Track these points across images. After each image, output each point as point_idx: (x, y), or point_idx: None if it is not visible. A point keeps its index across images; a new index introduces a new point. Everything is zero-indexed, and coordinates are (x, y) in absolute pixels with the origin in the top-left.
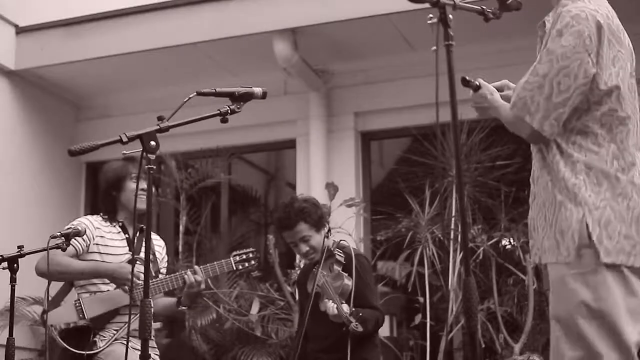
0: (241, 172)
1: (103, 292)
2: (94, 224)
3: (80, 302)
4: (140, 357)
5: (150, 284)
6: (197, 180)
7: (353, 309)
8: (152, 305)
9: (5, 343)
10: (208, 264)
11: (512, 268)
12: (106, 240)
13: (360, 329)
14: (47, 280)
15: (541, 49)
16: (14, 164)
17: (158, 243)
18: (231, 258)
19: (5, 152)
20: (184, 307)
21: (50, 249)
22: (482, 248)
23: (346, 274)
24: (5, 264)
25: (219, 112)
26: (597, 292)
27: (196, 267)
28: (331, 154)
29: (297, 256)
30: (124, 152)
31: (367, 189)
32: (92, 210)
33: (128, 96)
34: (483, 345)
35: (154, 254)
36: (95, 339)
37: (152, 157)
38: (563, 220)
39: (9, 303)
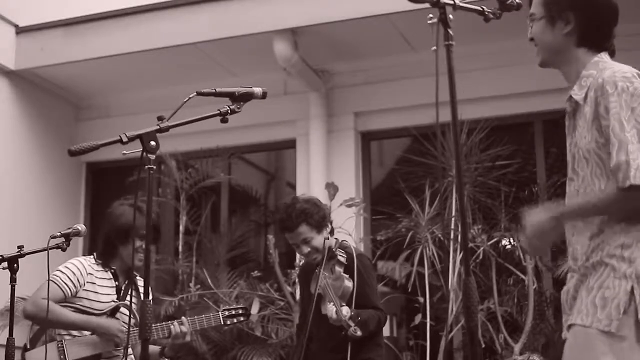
0: (241, 172)
1: (86, 336)
2: (87, 269)
3: (62, 344)
4: (140, 358)
5: (134, 332)
6: (197, 180)
7: (353, 313)
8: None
9: (5, 343)
10: (196, 317)
11: (512, 268)
12: (96, 287)
13: (359, 333)
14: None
15: (584, 120)
16: (14, 164)
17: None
18: (220, 312)
19: (5, 152)
20: (166, 358)
21: (50, 249)
22: (482, 248)
23: (347, 276)
24: (5, 264)
25: (219, 112)
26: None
27: (183, 318)
28: (331, 154)
29: (297, 256)
30: (124, 152)
31: (367, 189)
32: (92, 211)
33: (128, 96)
34: (483, 345)
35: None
36: None
37: (152, 157)
38: (609, 287)
39: (9, 303)
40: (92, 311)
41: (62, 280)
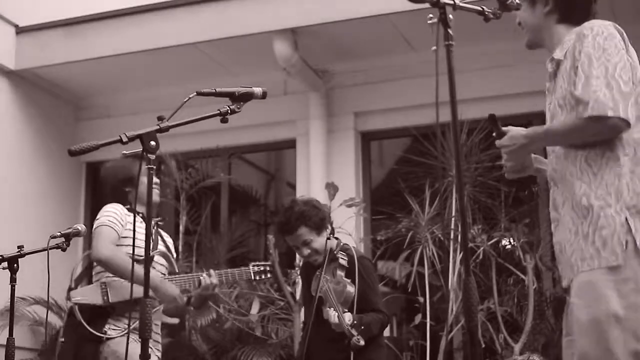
0: (241, 172)
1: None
2: (124, 210)
3: (106, 286)
4: (140, 357)
5: (169, 279)
6: (197, 180)
7: (355, 320)
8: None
9: (5, 343)
10: (228, 270)
11: (512, 268)
12: (132, 232)
13: (361, 342)
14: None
15: (565, 71)
16: (13, 164)
17: (169, 241)
18: (250, 267)
19: (5, 152)
20: (192, 307)
21: (50, 249)
22: (482, 248)
23: (349, 281)
24: (5, 264)
25: (219, 112)
26: (628, 299)
27: (212, 271)
28: (331, 154)
29: (298, 256)
30: (124, 152)
31: (367, 189)
32: (92, 210)
33: (128, 96)
34: (483, 345)
35: (171, 252)
36: (107, 326)
37: (152, 157)
38: (605, 226)
39: (9, 303)
40: (138, 251)
41: (111, 222)
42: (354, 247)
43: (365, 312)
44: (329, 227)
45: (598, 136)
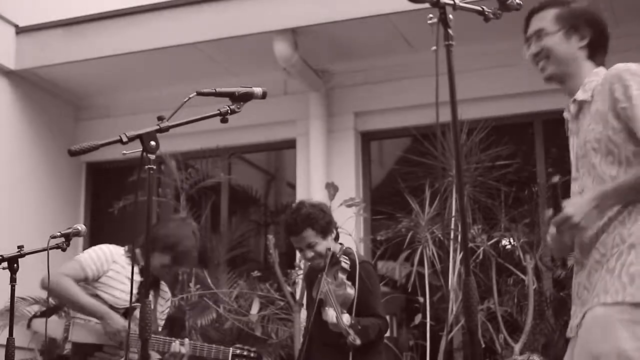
0: (241, 172)
1: (95, 324)
2: (114, 257)
3: (70, 324)
4: (140, 357)
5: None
6: (197, 180)
7: (353, 321)
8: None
9: (5, 343)
10: (205, 345)
11: (512, 268)
12: (119, 276)
13: (358, 342)
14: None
15: (594, 112)
16: (13, 163)
17: (164, 296)
18: (230, 349)
19: (5, 152)
20: None
21: (50, 249)
22: (482, 248)
23: (349, 283)
24: (5, 264)
25: (219, 112)
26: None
27: (186, 340)
28: (331, 154)
29: (297, 256)
30: (124, 152)
31: (367, 189)
32: (92, 210)
33: (128, 96)
34: (483, 345)
35: (155, 308)
36: None
37: (152, 157)
38: (634, 263)
39: (9, 303)
40: (112, 302)
41: (87, 262)
42: (356, 252)
43: (365, 317)
44: (334, 232)
45: None
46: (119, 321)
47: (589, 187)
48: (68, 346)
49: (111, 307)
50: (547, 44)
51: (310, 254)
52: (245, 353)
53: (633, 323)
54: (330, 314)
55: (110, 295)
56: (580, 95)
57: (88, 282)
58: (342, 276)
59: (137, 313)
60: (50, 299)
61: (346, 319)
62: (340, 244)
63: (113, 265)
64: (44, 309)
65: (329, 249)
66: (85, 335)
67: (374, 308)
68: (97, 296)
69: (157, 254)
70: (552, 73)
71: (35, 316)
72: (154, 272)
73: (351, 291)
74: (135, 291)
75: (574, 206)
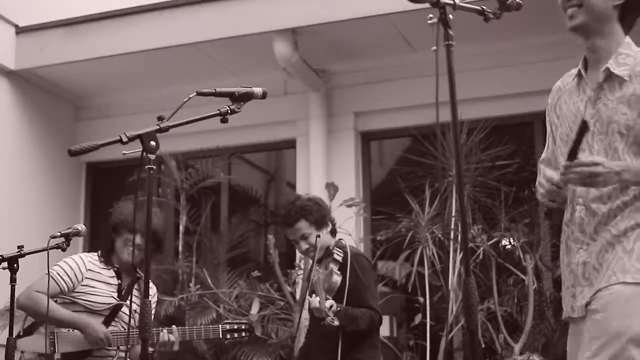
0: (241, 172)
1: (78, 334)
2: (86, 265)
3: (54, 336)
4: (140, 357)
5: (132, 333)
6: (197, 180)
7: (339, 307)
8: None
9: (5, 343)
10: (194, 327)
11: (512, 268)
12: (95, 283)
13: (336, 322)
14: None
15: (627, 98)
16: (13, 163)
17: (150, 292)
18: (220, 325)
19: (5, 152)
20: None
21: (50, 249)
22: (482, 248)
23: (338, 272)
24: (5, 264)
25: (219, 112)
26: None
27: (174, 327)
28: (331, 154)
29: (297, 256)
30: (124, 152)
31: (367, 189)
32: (92, 210)
33: (128, 96)
34: (483, 345)
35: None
36: None
37: (152, 157)
38: None
39: (9, 303)
40: (92, 307)
41: (59, 275)
42: (352, 245)
43: (357, 308)
44: (330, 226)
45: None
46: (99, 328)
47: None
48: (57, 356)
49: (92, 312)
50: None
51: (304, 245)
52: (235, 327)
53: None
54: (312, 300)
55: (89, 302)
56: (615, 68)
57: (64, 293)
58: (332, 266)
59: (125, 309)
60: (27, 318)
61: (329, 304)
62: (340, 239)
63: (87, 274)
64: (27, 327)
65: (318, 236)
66: (72, 345)
67: (366, 300)
68: (75, 304)
69: (116, 241)
70: (581, 23)
71: (18, 336)
72: (122, 257)
73: (337, 278)
74: (115, 294)
75: (604, 161)
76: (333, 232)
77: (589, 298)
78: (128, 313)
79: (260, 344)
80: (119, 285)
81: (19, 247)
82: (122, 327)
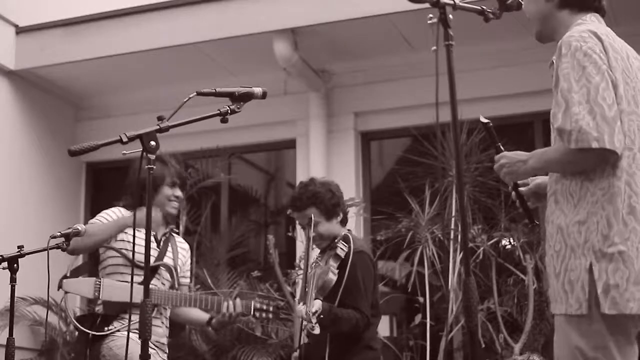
0: (241, 172)
1: (125, 282)
2: (119, 215)
3: (100, 283)
4: (140, 357)
5: (186, 295)
6: (197, 180)
7: (325, 306)
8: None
9: (5, 343)
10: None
11: (512, 268)
12: (134, 234)
13: (316, 331)
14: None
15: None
16: (13, 163)
17: (182, 246)
18: (252, 302)
19: (5, 152)
20: (211, 329)
21: (50, 249)
22: (482, 248)
23: (335, 270)
24: (5, 264)
25: (219, 112)
26: (594, 342)
27: (238, 300)
28: (331, 154)
29: (297, 256)
30: (124, 152)
31: (367, 189)
32: (92, 210)
33: (128, 96)
34: (483, 345)
35: (176, 266)
36: (107, 327)
37: (152, 157)
38: (573, 269)
39: (9, 303)
40: (131, 254)
41: (106, 220)
42: (359, 239)
43: (346, 307)
44: (341, 215)
45: (586, 167)
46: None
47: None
48: (100, 306)
49: (131, 264)
50: (524, 7)
51: (314, 231)
52: (265, 307)
53: (581, 328)
54: (298, 308)
55: (129, 250)
56: (554, 59)
57: (107, 242)
58: (332, 262)
59: (161, 269)
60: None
61: (317, 305)
62: (349, 230)
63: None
64: (73, 268)
65: (310, 218)
66: (116, 294)
67: (356, 301)
68: (116, 255)
69: (161, 192)
70: (536, 32)
71: (65, 277)
72: (166, 212)
73: (332, 277)
74: (154, 245)
75: (505, 157)
76: (343, 222)
77: (552, 309)
78: (167, 271)
79: (260, 344)
80: (155, 237)
81: (19, 247)
82: (163, 284)
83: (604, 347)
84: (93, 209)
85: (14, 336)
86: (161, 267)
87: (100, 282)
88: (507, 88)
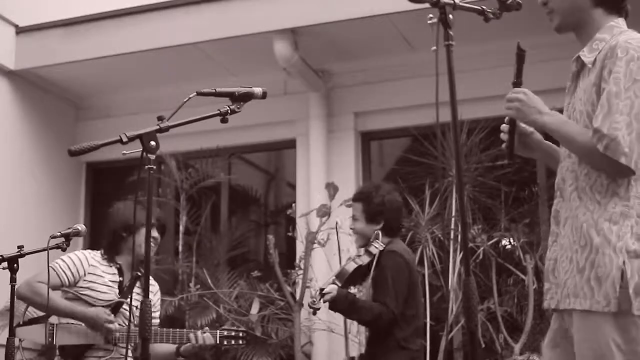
0: (241, 172)
1: (79, 325)
2: (89, 261)
3: (54, 328)
4: (140, 357)
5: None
6: (197, 180)
7: (332, 293)
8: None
9: (5, 343)
10: (191, 330)
11: (512, 268)
12: (98, 279)
13: (317, 306)
14: None
15: (587, 84)
16: (13, 164)
17: (151, 289)
18: (217, 331)
19: (5, 152)
20: (181, 358)
21: (50, 249)
22: (482, 248)
23: (358, 261)
24: (5, 264)
25: (219, 112)
26: (629, 335)
27: (206, 334)
28: (331, 154)
29: (297, 256)
30: (124, 152)
31: None
32: (92, 210)
33: (128, 96)
34: (483, 345)
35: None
36: None
37: (152, 157)
38: (601, 265)
39: (9, 303)
40: (94, 302)
41: (61, 268)
42: (398, 244)
43: (375, 301)
44: (381, 223)
45: (601, 170)
46: (101, 315)
47: (563, 156)
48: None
49: (93, 307)
50: None
51: (351, 225)
52: (233, 333)
53: (614, 323)
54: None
55: (91, 297)
56: (585, 56)
57: (64, 286)
58: (360, 255)
59: (126, 307)
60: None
61: (330, 288)
62: (393, 239)
63: (90, 269)
64: (21, 320)
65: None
66: (71, 338)
67: (382, 295)
68: (78, 299)
69: (127, 240)
70: (559, 24)
71: (18, 325)
72: (139, 252)
73: (350, 266)
74: (116, 291)
75: (526, 95)
76: (388, 231)
77: (554, 305)
78: (128, 310)
79: (260, 344)
80: (120, 282)
81: (19, 247)
82: (123, 324)
83: (637, 340)
84: (93, 209)
85: (13, 336)
86: (122, 308)
87: (53, 326)
88: (507, 88)
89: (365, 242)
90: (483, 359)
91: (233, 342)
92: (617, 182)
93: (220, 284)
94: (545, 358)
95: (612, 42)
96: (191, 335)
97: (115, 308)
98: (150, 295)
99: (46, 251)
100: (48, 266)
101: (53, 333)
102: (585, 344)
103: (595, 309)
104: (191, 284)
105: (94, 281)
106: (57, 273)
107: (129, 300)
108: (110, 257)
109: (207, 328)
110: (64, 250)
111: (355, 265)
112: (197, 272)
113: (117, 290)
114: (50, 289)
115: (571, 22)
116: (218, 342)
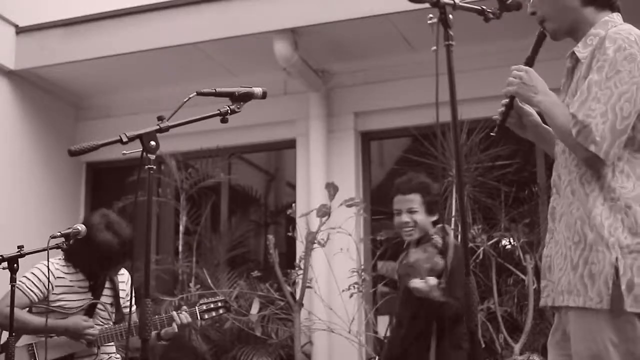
0: (241, 172)
1: (56, 338)
2: (54, 273)
3: (33, 347)
4: (140, 357)
5: (108, 330)
6: (197, 180)
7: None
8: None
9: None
10: (171, 313)
11: (512, 268)
12: (67, 288)
13: (441, 298)
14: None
15: (579, 78)
16: (13, 164)
17: (122, 279)
18: (196, 307)
19: (5, 152)
20: (165, 341)
21: (50, 249)
22: (482, 248)
23: (439, 255)
24: (5, 264)
25: (219, 112)
26: (625, 334)
27: (183, 314)
28: (331, 154)
29: (297, 256)
30: (124, 152)
31: (367, 189)
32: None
33: (128, 96)
34: (483, 345)
35: (117, 296)
36: None
37: (152, 157)
38: (594, 262)
39: (9, 303)
40: (68, 311)
41: (27, 287)
42: (451, 233)
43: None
44: (436, 216)
45: (572, 152)
46: (79, 324)
47: (559, 152)
48: None
49: (69, 315)
50: (535, 3)
51: (406, 219)
52: (212, 305)
53: (609, 320)
54: (413, 281)
55: (64, 307)
56: (579, 51)
57: (34, 303)
58: (432, 249)
59: (100, 306)
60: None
61: (432, 281)
62: (444, 226)
63: (57, 281)
64: (0, 344)
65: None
66: (52, 352)
67: (455, 290)
68: (53, 312)
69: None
70: (553, 30)
71: None
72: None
73: (440, 260)
74: (89, 294)
75: (528, 74)
76: (434, 223)
77: (550, 302)
78: (103, 309)
79: (260, 344)
80: (91, 285)
81: (19, 247)
82: (100, 323)
83: (633, 339)
84: (93, 209)
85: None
86: (97, 309)
87: (32, 346)
88: None
89: (422, 235)
90: (483, 359)
91: (214, 313)
92: (601, 172)
93: (220, 284)
94: (549, 356)
95: (603, 34)
96: (173, 317)
97: (89, 311)
98: (122, 285)
99: (46, 251)
100: (48, 266)
101: (34, 353)
102: (582, 343)
103: (589, 305)
104: (191, 284)
105: (64, 292)
106: (23, 292)
107: (102, 301)
108: (74, 263)
109: (185, 307)
110: (64, 250)
111: (443, 262)
112: (197, 272)
113: (90, 293)
114: (20, 310)
115: (564, 25)
116: (199, 317)
